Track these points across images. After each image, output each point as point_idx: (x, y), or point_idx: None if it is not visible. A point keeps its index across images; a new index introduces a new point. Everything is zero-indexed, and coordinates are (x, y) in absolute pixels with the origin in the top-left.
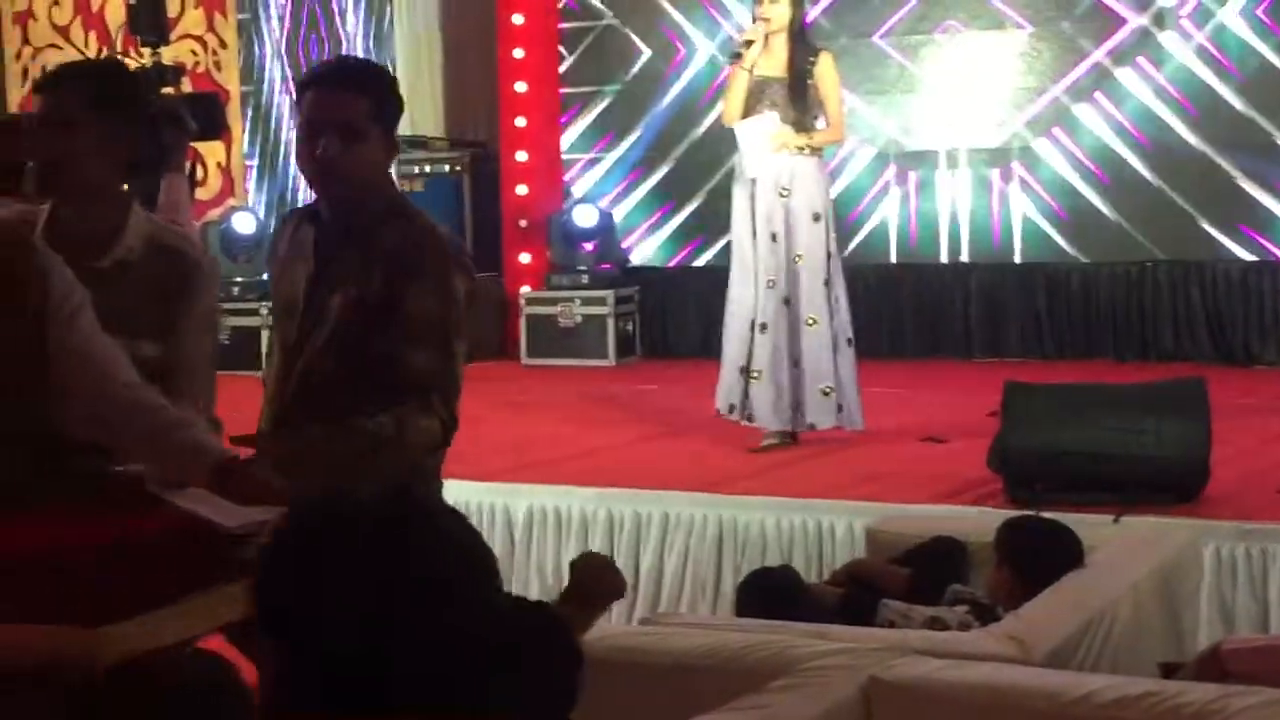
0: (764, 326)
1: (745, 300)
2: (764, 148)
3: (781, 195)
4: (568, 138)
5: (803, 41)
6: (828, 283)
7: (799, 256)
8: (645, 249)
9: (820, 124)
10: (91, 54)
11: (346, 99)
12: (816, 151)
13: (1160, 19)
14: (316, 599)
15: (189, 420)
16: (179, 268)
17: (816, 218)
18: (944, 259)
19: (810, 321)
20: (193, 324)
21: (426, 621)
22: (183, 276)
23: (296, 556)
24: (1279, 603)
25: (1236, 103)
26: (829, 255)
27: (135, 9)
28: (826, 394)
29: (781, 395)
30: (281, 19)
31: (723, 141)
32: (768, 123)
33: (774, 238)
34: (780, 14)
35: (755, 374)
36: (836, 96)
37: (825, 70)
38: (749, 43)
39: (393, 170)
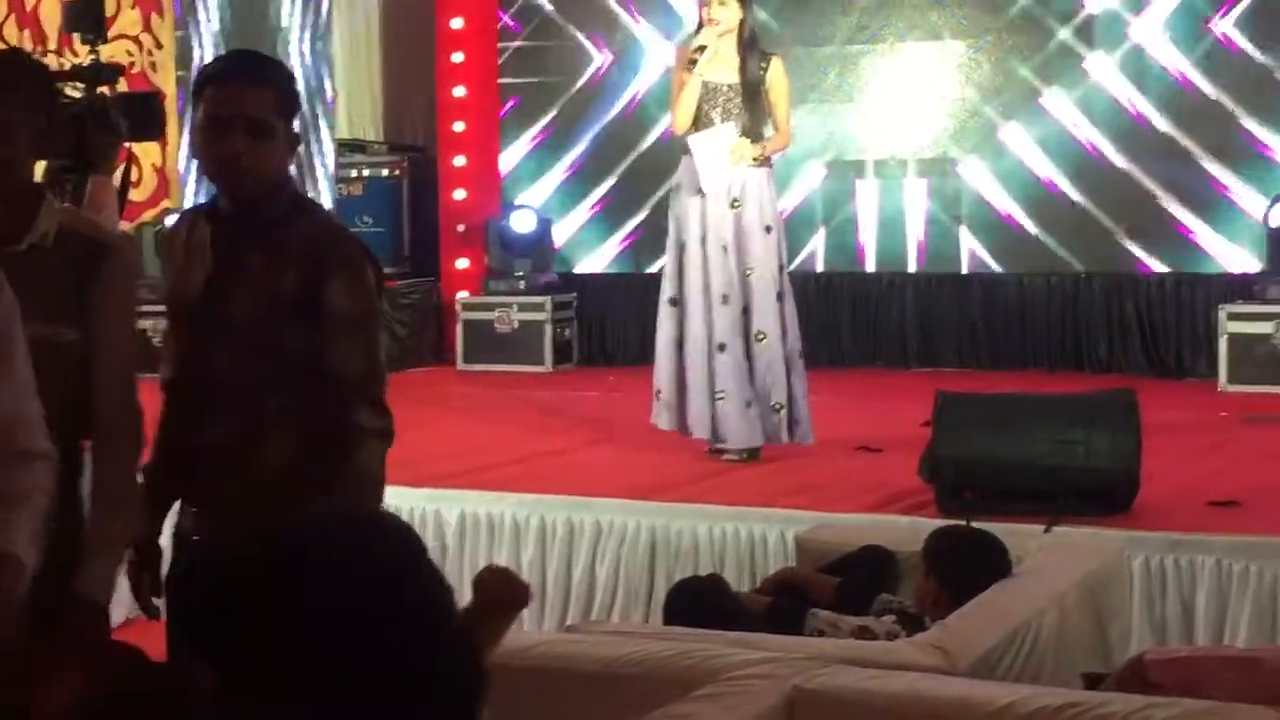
0: (722, 346)
1: (698, 322)
2: (722, 161)
3: (733, 207)
4: (506, 142)
5: (753, 46)
6: (780, 296)
7: (750, 270)
8: (583, 255)
9: (769, 131)
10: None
11: (252, 95)
12: (767, 161)
13: (1088, 37)
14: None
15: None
16: (92, 252)
17: (768, 229)
18: (881, 269)
19: (759, 336)
20: (108, 309)
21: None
22: (96, 260)
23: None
24: (1206, 614)
25: (1158, 121)
26: (780, 268)
27: (73, 6)
28: (777, 410)
29: (754, 410)
30: (220, 20)
31: (666, 148)
32: (726, 135)
33: (725, 250)
34: (730, 17)
35: (720, 395)
36: (786, 103)
37: (776, 76)
38: (701, 48)
39: (330, 171)
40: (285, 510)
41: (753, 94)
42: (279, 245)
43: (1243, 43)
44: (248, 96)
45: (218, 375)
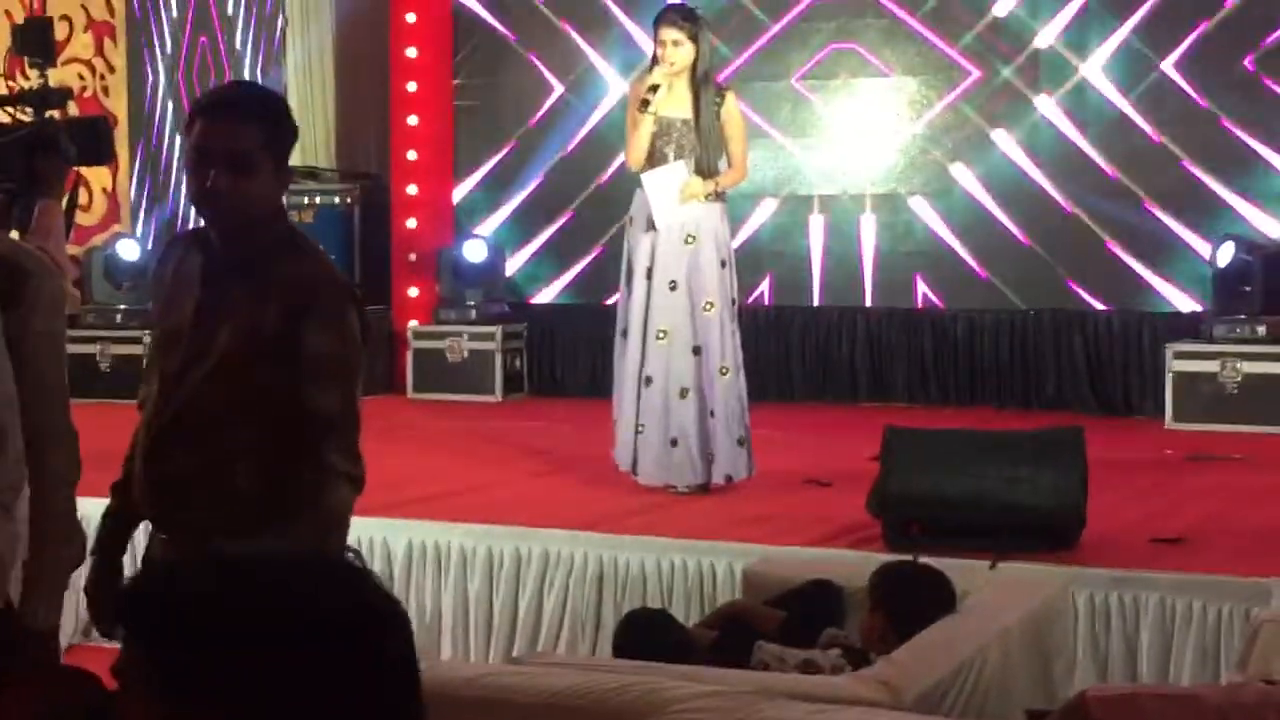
0: (649, 380)
1: (633, 355)
2: (672, 198)
3: (687, 243)
4: (459, 172)
5: (707, 82)
6: (734, 333)
7: (709, 304)
8: (535, 286)
9: (723, 164)
10: None
11: (236, 129)
12: (721, 196)
13: (1034, 78)
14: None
15: None
16: (11, 276)
17: (723, 264)
18: (832, 304)
19: (722, 370)
20: (33, 334)
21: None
22: (16, 285)
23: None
24: (1149, 650)
25: (1103, 162)
26: (733, 301)
27: (21, 30)
28: (740, 444)
29: (682, 448)
30: (174, 44)
31: (623, 179)
32: (676, 173)
33: (673, 286)
34: (683, 56)
35: (640, 428)
36: (740, 136)
37: (730, 111)
38: (654, 87)
39: (283, 200)
40: (249, 543)
41: (707, 130)
42: (264, 281)
43: (1184, 86)
44: (230, 131)
45: (193, 404)
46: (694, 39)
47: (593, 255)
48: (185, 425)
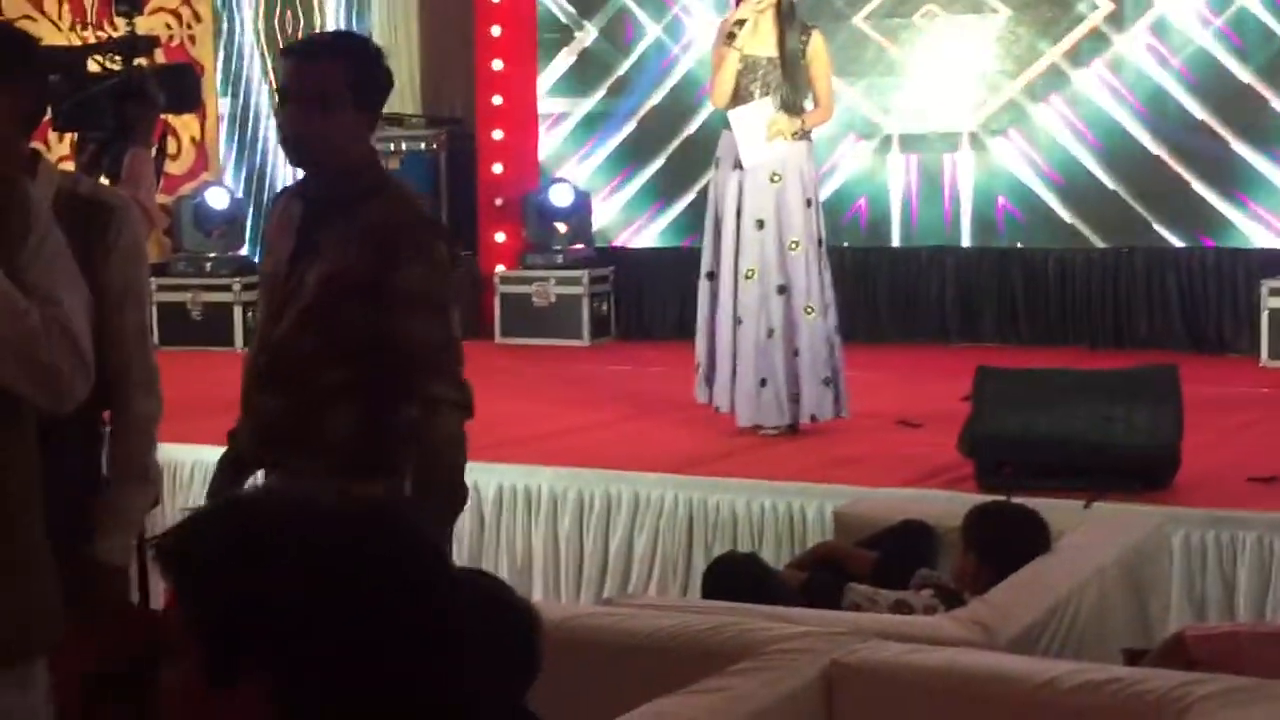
0: (739, 320)
1: (725, 296)
2: (759, 135)
3: (773, 181)
4: (545, 116)
5: (792, 19)
6: (821, 271)
7: (795, 243)
8: (623, 230)
9: (809, 104)
10: (64, 25)
11: (316, 68)
12: (807, 135)
13: (1120, 16)
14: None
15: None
16: (94, 214)
17: (809, 203)
18: (920, 244)
19: (808, 310)
20: (115, 281)
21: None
22: (99, 222)
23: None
24: (1247, 590)
25: (1189, 101)
26: (820, 242)
27: None
28: (826, 384)
29: (770, 389)
30: None
31: (710, 124)
32: (763, 110)
33: (760, 225)
34: None
35: (735, 369)
36: (827, 76)
37: (817, 50)
38: (740, 22)
39: (373, 146)
40: (349, 484)
41: (792, 67)
42: (352, 224)
43: (1269, 19)
44: (308, 70)
45: (285, 348)
46: None
47: (682, 199)
48: (278, 369)
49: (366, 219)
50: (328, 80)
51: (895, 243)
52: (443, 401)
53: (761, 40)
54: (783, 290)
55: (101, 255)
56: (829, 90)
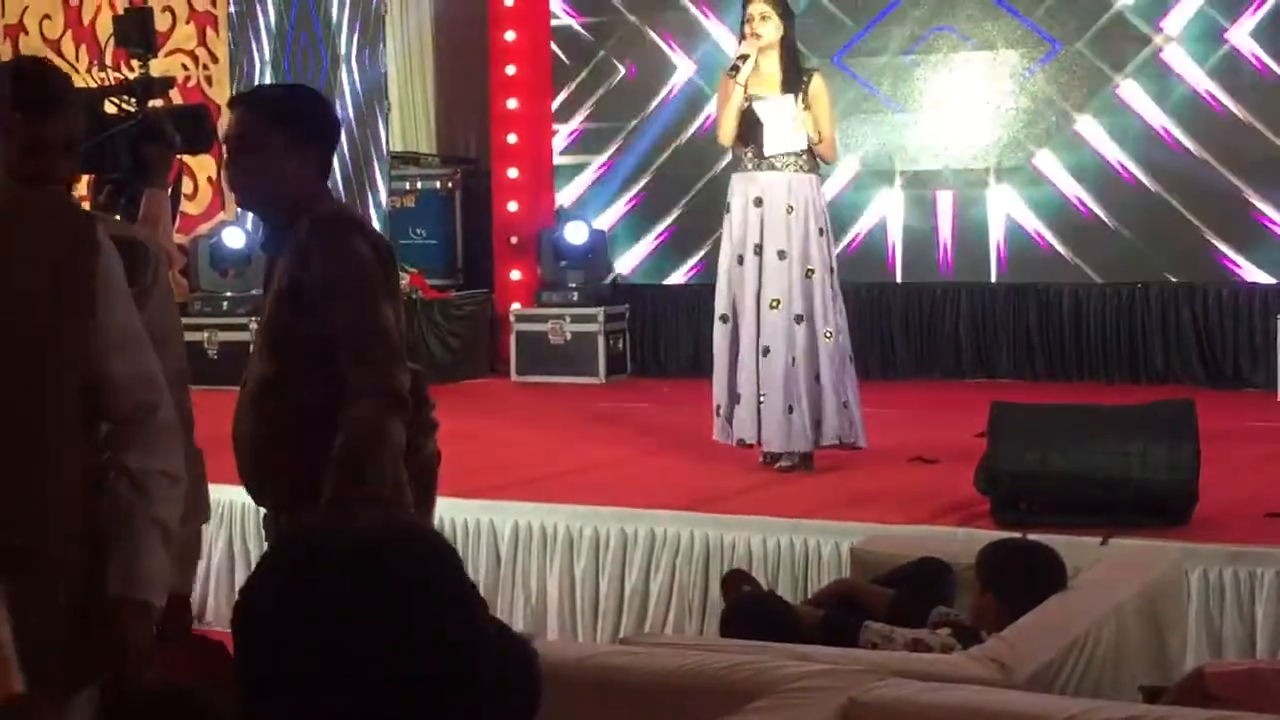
0: (767, 350)
1: (748, 328)
2: (787, 125)
3: (789, 213)
4: (559, 155)
5: (794, 61)
6: (835, 297)
7: (810, 271)
8: (636, 266)
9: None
10: (82, 67)
11: (236, 116)
12: (816, 169)
13: (1169, 34)
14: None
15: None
16: (135, 257)
17: (821, 232)
18: (935, 278)
19: (826, 335)
20: (152, 317)
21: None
22: (141, 265)
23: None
24: (1266, 626)
25: (1235, 120)
26: (832, 270)
27: (122, 21)
28: (847, 406)
29: (797, 415)
30: (273, 35)
31: (716, 158)
32: (789, 103)
33: (781, 255)
34: (771, 31)
35: (763, 397)
36: (829, 117)
37: (818, 91)
38: (744, 57)
39: (383, 184)
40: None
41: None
42: (291, 244)
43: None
44: (233, 119)
45: (253, 376)
46: (782, 14)
47: (697, 236)
48: (249, 398)
49: (296, 238)
50: (243, 123)
51: (910, 278)
52: (366, 387)
53: (765, 81)
54: (800, 319)
55: (140, 297)
56: (832, 131)
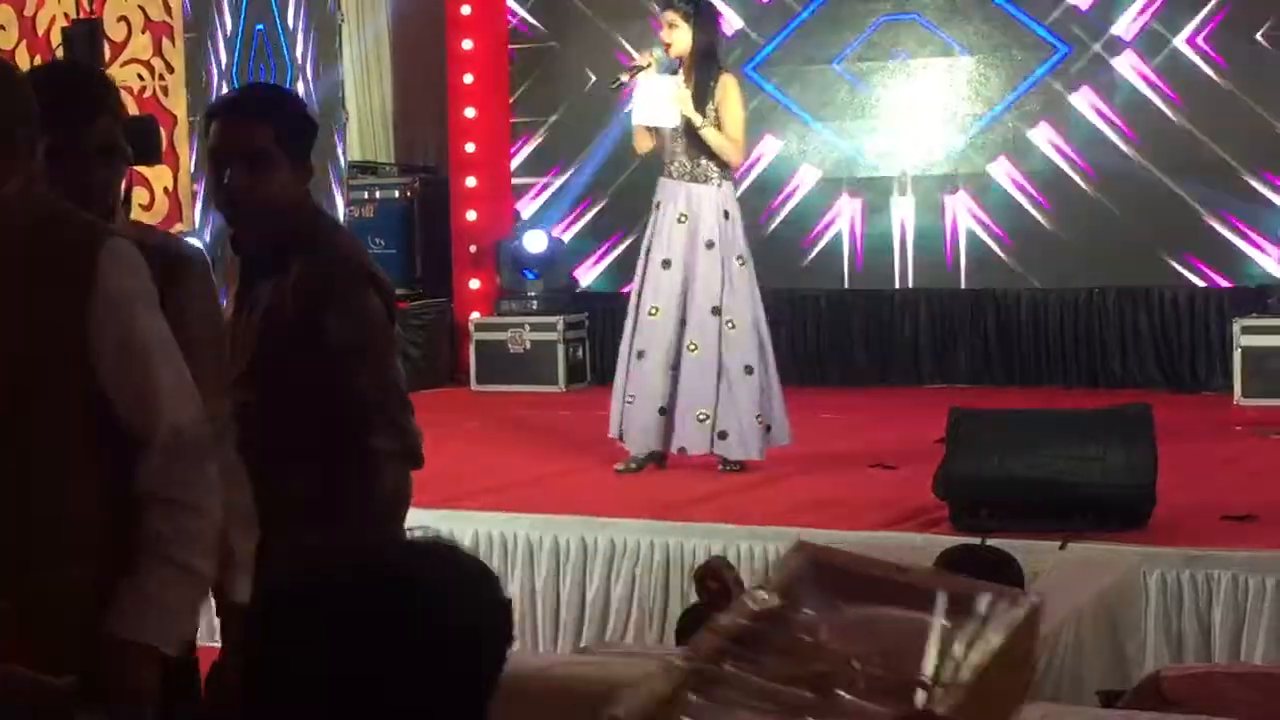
0: (641, 353)
1: (628, 330)
2: (661, 102)
3: (680, 221)
4: (517, 163)
5: (706, 65)
6: (716, 310)
7: (692, 281)
8: (594, 275)
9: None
10: None
11: (250, 128)
12: (727, 179)
13: (1110, 44)
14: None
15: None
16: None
17: (710, 245)
18: (894, 285)
19: (691, 347)
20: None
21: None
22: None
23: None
24: (1223, 630)
25: (1186, 127)
26: (724, 283)
27: (69, 34)
28: (701, 420)
29: (657, 418)
30: (230, 43)
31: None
32: (671, 83)
33: (666, 264)
34: (679, 40)
35: (630, 399)
36: (736, 118)
37: (724, 92)
38: (638, 69)
39: (342, 193)
40: (307, 539)
41: (699, 108)
42: (284, 276)
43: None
44: (244, 129)
45: (236, 404)
46: (692, 24)
47: (636, 236)
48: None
49: (298, 270)
50: (257, 138)
51: (868, 285)
52: (381, 454)
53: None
54: (682, 324)
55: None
56: (739, 131)
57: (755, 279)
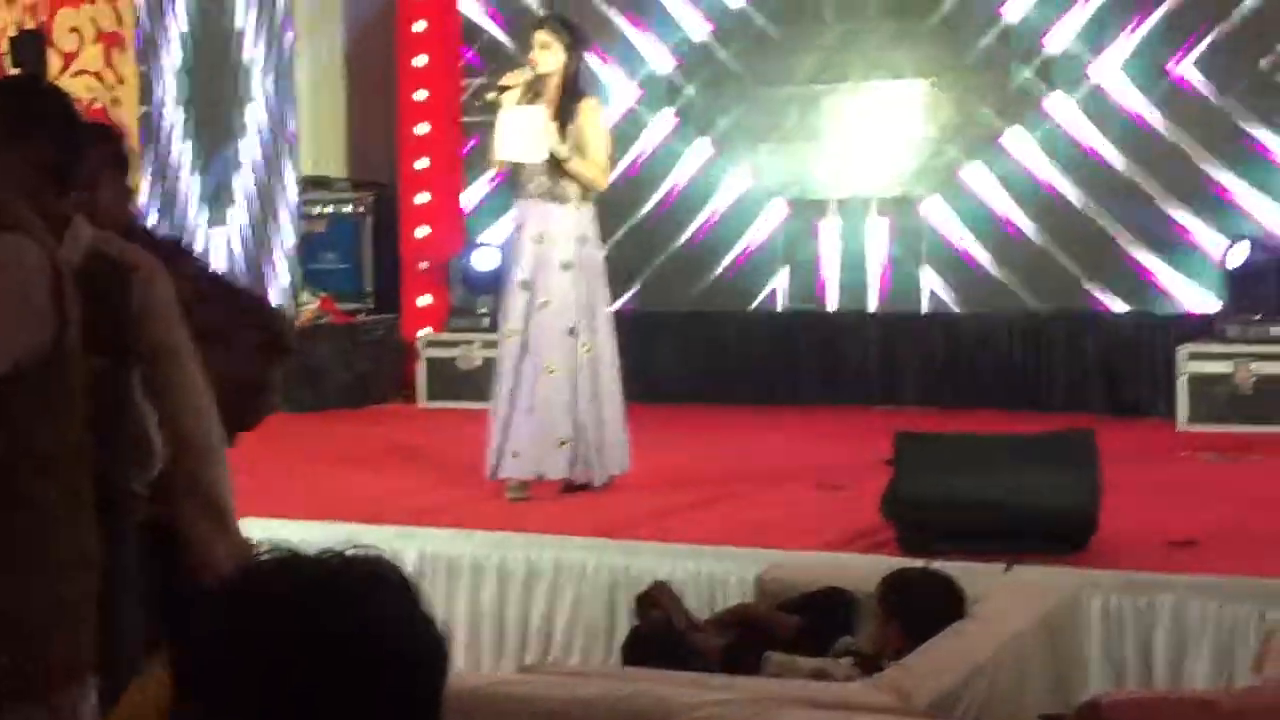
0: (500, 375)
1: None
2: (525, 137)
3: (537, 243)
4: (470, 180)
5: (571, 90)
6: (573, 331)
7: (544, 303)
8: None
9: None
10: None
11: None
12: (580, 203)
13: (1048, 77)
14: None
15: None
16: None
17: (566, 266)
18: (842, 307)
19: (549, 370)
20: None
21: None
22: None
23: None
24: (1164, 655)
25: (1118, 161)
26: (580, 304)
27: (16, 43)
28: (561, 444)
29: (515, 443)
30: (183, 55)
31: (627, 185)
32: (538, 114)
33: (524, 285)
34: (549, 61)
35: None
36: (598, 142)
37: (584, 116)
38: (505, 88)
39: (293, 208)
40: None
41: (560, 132)
42: None
43: (1201, 85)
44: None
45: None
46: (565, 47)
47: (611, 264)
48: None
49: None
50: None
51: (817, 306)
52: None
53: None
54: (525, 347)
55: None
56: (601, 155)
57: (608, 300)
